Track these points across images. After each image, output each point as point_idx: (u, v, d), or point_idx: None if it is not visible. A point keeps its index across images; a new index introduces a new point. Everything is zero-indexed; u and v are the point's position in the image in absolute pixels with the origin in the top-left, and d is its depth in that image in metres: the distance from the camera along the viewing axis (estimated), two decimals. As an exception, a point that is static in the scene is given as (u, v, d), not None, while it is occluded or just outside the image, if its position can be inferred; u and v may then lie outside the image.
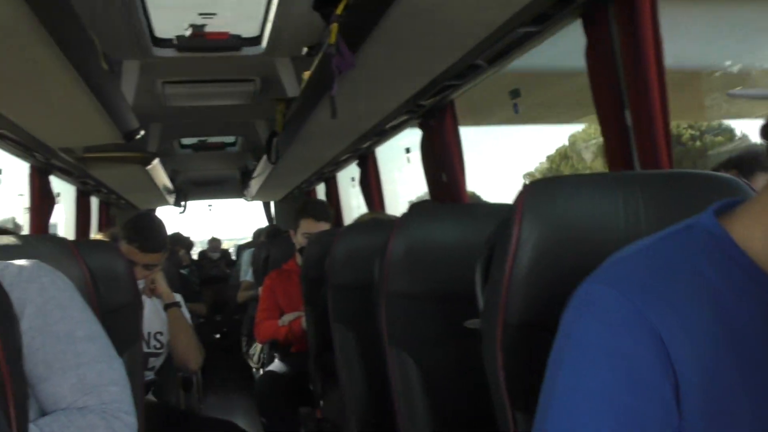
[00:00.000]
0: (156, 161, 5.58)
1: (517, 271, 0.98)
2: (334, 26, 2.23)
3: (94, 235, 7.09)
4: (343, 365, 2.27)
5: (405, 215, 1.74)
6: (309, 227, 3.62)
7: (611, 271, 0.80)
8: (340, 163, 5.90)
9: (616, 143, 2.27)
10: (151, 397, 2.68)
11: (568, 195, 1.01)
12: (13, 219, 6.55)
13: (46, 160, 4.39)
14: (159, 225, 2.84)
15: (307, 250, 3.15)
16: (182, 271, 6.58)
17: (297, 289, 3.62)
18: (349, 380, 2.28)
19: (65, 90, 2.54)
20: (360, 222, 3.12)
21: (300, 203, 3.67)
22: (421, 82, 2.98)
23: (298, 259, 3.71)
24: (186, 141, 7.60)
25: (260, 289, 4.13)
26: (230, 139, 7.70)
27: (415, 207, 1.61)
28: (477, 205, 1.77)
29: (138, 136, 3.95)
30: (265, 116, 5.95)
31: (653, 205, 1.01)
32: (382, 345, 1.77)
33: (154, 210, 10.13)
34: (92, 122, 3.33)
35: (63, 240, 1.57)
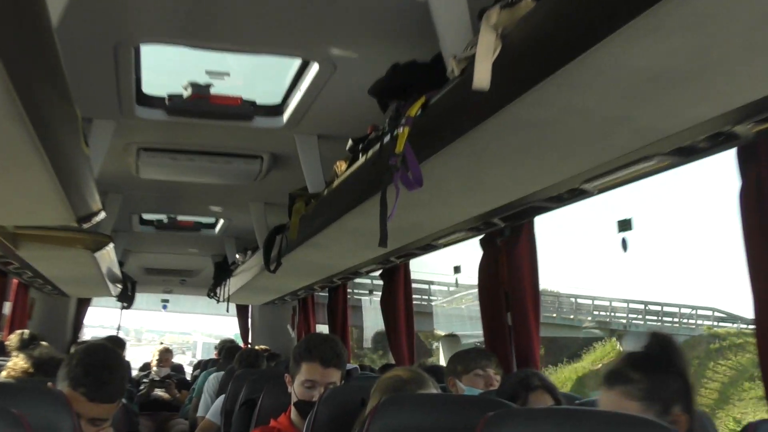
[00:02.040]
0: (110, 247, 5.66)
1: None
2: (405, 132, 2.28)
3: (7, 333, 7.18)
4: None
5: (489, 424, 1.85)
6: (313, 374, 3.58)
7: None
8: (358, 273, 5.97)
9: None
10: None
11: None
12: None
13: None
14: (116, 365, 2.79)
15: (316, 412, 3.11)
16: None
17: (288, 458, 3.57)
18: None
19: (27, 167, 2.58)
20: (387, 382, 3.08)
21: (302, 341, 3.66)
22: (500, 200, 3.03)
23: (293, 415, 3.68)
24: (149, 216, 7.71)
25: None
26: (208, 219, 7.80)
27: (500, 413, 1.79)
28: (588, 411, 1.79)
29: (94, 221, 4.02)
30: (264, 199, 6.06)
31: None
32: None
33: (87, 301, 10.30)
34: (45, 203, 3.39)
35: (10, 413, 1.60)
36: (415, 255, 4.94)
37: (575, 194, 2.86)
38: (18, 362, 3.55)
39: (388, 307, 5.78)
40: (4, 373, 3.51)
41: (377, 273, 5.89)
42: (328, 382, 3.48)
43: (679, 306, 35.49)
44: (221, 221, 7.58)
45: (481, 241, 4.17)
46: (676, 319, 34.72)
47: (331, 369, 3.54)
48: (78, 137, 2.53)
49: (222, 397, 5.99)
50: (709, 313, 34.90)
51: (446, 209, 3.27)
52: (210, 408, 6.60)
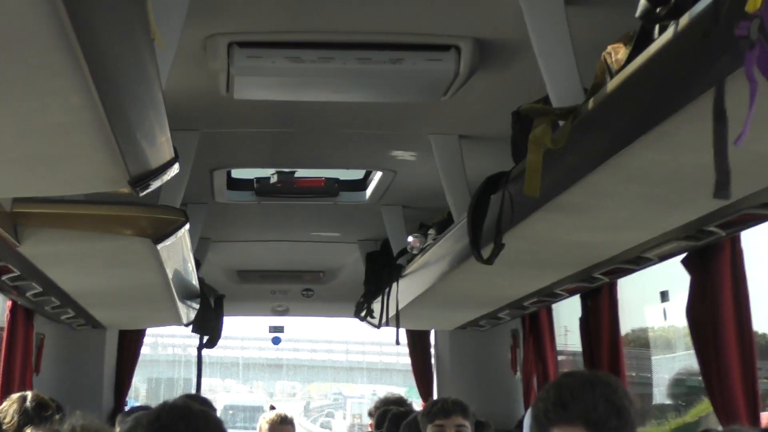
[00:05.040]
0: (183, 232, 5.83)
1: None
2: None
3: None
4: None
5: None
6: None
7: None
8: (643, 261, 5.96)
9: None
10: None
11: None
12: None
13: None
14: None
15: None
16: None
17: None
18: None
19: (43, 60, 2.66)
20: None
21: (548, 390, 3.69)
22: None
23: None
24: (243, 173, 7.95)
25: None
26: (353, 174, 8.02)
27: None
28: None
29: (157, 184, 4.10)
30: (460, 129, 6.22)
31: None
32: None
33: (138, 338, 10.56)
34: (73, 144, 3.49)
35: None
36: (754, 221, 4.87)
37: None
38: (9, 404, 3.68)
39: (701, 321, 5.73)
40: None
41: (677, 259, 5.86)
42: None
43: None
44: (377, 176, 7.65)
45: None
46: None
47: None
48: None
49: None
50: None
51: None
52: None
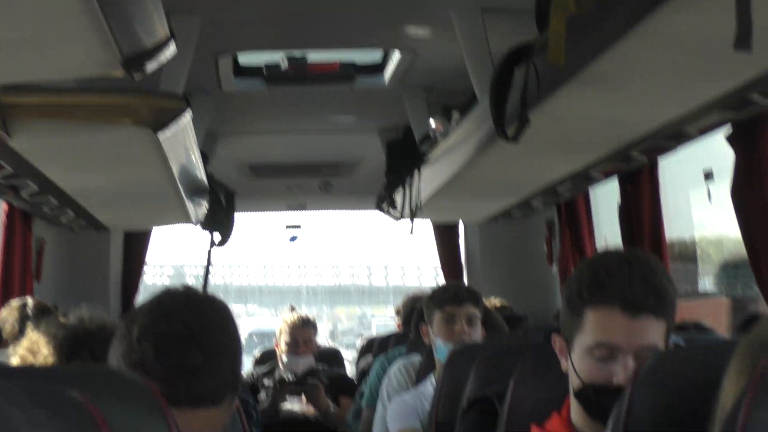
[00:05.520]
0: (185, 120, 5.83)
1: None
2: None
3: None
4: None
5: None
6: (610, 331, 3.59)
7: None
8: (682, 137, 5.94)
9: None
10: None
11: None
12: None
13: None
14: (216, 329, 2.99)
15: (628, 403, 3.10)
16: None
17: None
18: None
19: None
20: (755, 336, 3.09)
21: (583, 269, 3.68)
22: None
23: (575, 413, 3.72)
24: (250, 58, 7.94)
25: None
26: (370, 57, 8.00)
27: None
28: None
29: (153, 66, 4.08)
30: (482, 1, 6.11)
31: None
32: None
33: (144, 240, 10.65)
34: (55, 21, 3.47)
35: (74, 402, 1.81)
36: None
37: None
38: (37, 343, 3.65)
39: (746, 201, 5.72)
40: (14, 361, 3.64)
41: (721, 135, 5.83)
42: (643, 345, 3.56)
43: None
44: (395, 57, 7.63)
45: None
46: None
47: (645, 318, 3.60)
48: None
49: (416, 394, 6.17)
50: None
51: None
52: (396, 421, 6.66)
